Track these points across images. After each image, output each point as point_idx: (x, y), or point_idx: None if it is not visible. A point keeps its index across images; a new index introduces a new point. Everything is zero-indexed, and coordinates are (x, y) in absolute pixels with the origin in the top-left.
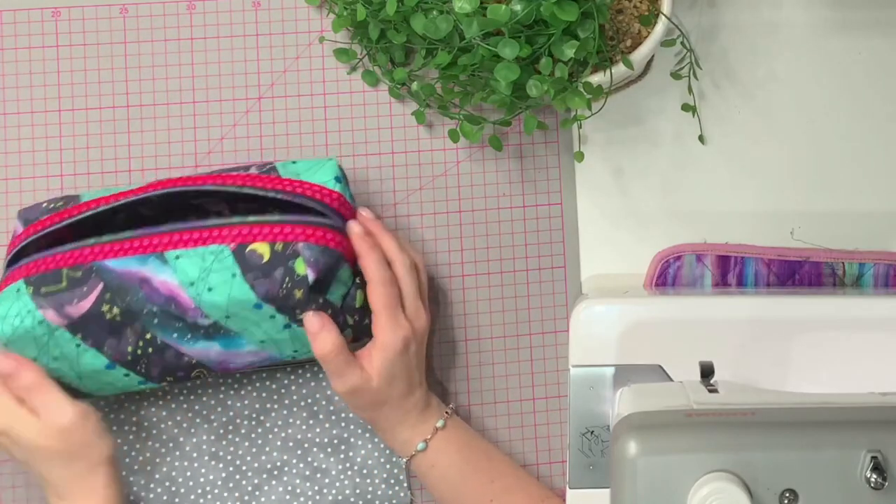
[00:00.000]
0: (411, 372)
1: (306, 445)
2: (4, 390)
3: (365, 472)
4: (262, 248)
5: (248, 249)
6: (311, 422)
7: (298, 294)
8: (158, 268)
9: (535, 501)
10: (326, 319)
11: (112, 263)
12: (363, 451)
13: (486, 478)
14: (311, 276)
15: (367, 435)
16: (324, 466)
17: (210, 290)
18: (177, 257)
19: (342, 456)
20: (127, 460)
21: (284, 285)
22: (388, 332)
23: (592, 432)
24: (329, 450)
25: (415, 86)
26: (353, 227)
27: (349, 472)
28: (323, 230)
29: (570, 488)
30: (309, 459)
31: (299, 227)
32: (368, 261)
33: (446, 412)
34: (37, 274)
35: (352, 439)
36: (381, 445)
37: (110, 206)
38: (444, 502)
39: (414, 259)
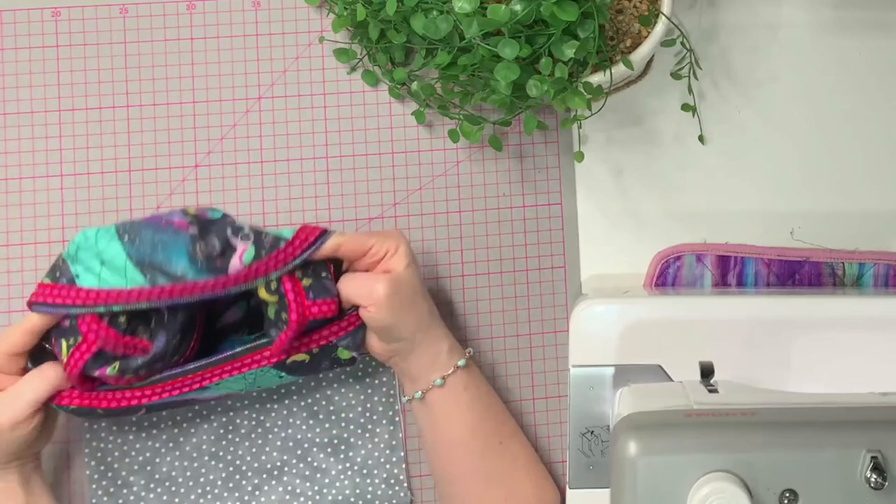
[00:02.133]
0: (421, 278)
1: (306, 445)
2: None
3: (365, 472)
4: (301, 357)
5: (288, 361)
6: (311, 422)
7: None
8: (200, 392)
9: (532, 458)
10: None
11: (155, 401)
12: (363, 451)
13: (503, 414)
14: (356, 355)
15: (367, 435)
16: (324, 466)
17: (257, 385)
18: (218, 384)
19: (342, 456)
20: (127, 460)
21: (333, 368)
22: (388, 235)
23: (592, 432)
24: (329, 450)
25: (415, 86)
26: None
27: (349, 472)
28: (347, 319)
29: (570, 488)
30: (309, 459)
31: (325, 330)
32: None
33: (468, 352)
34: (79, 406)
35: (352, 439)
36: (381, 445)
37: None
38: (457, 437)
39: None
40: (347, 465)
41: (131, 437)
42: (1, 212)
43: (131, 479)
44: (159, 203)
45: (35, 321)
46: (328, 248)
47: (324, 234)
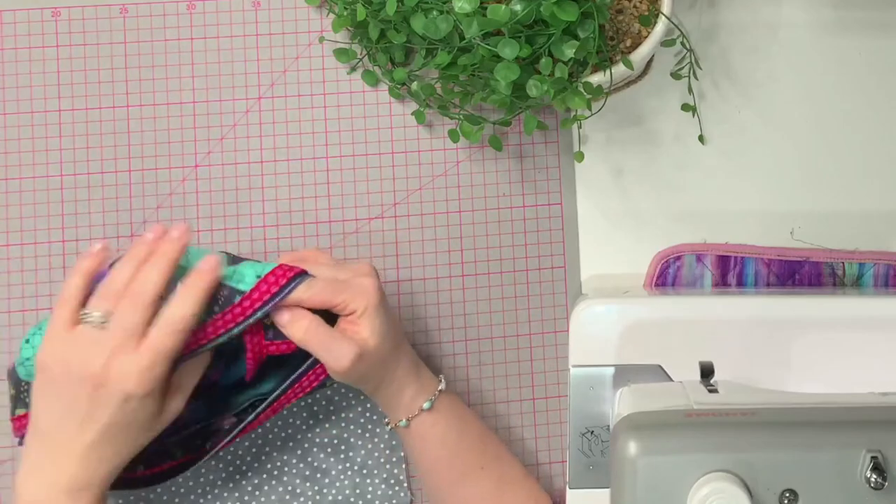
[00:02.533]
0: (394, 319)
1: (306, 445)
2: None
3: (365, 472)
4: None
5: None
6: (311, 422)
7: None
8: None
9: (519, 475)
10: (295, 309)
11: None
12: (363, 451)
13: (481, 444)
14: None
15: (367, 435)
16: (324, 466)
17: None
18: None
19: (342, 456)
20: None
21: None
22: (358, 290)
23: (592, 432)
24: (329, 450)
25: (415, 86)
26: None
27: (349, 472)
28: (314, 372)
29: (570, 488)
30: (309, 459)
31: (290, 392)
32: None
33: (441, 379)
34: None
35: (352, 439)
36: (381, 445)
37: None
38: (433, 468)
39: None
40: (347, 465)
41: None
42: (1, 212)
43: None
44: (159, 203)
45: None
46: (293, 299)
47: (295, 278)
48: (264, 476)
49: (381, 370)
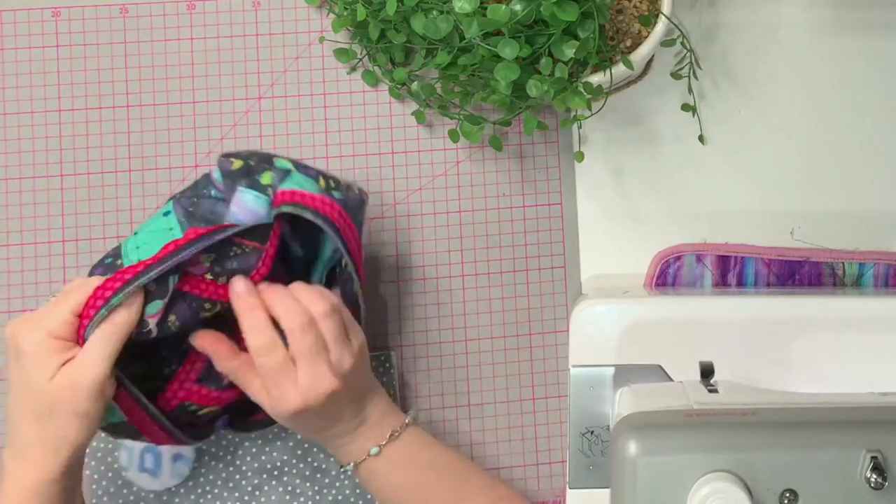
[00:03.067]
0: (342, 411)
1: (306, 445)
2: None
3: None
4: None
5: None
6: None
7: None
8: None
9: (498, 494)
10: (244, 357)
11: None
12: None
13: (442, 485)
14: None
15: None
16: (324, 466)
17: None
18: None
19: None
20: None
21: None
22: (307, 387)
23: (592, 432)
24: (329, 450)
25: (415, 86)
26: (238, 286)
27: (349, 473)
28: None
29: (570, 488)
30: (309, 459)
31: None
32: (279, 309)
33: (406, 422)
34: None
35: None
36: None
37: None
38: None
39: (329, 301)
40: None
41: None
42: (1, 212)
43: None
44: (159, 203)
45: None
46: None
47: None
48: (264, 476)
49: (323, 423)
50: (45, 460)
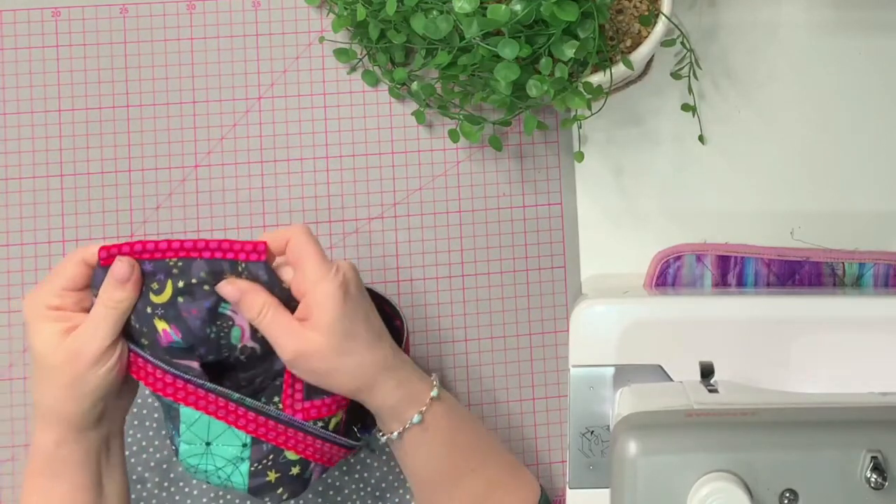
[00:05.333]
0: (369, 316)
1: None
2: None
3: (378, 494)
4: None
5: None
6: None
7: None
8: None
9: (507, 470)
10: (245, 283)
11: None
12: (378, 473)
13: (470, 445)
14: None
15: (384, 457)
16: (337, 484)
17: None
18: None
19: (356, 476)
20: (144, 456)
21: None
22: (323, 283)
23: (592, 432)
24: (344, 468)
25: (415, 86)
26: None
27: (362, 493)
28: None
29: (570, 488)
30: (323, 475)
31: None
32: (283, 229)
33: (434, 381)
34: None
35: (368, 460)
36: (397, 470)
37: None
38: (424, 477)
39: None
40: (361, 484)
41: (151, 433)
42: (1, 212)
43: (146, 475)
44: (159, 203)
45: (91, 250)
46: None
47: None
48: None
49: (344, 372)
50: (54, 426)
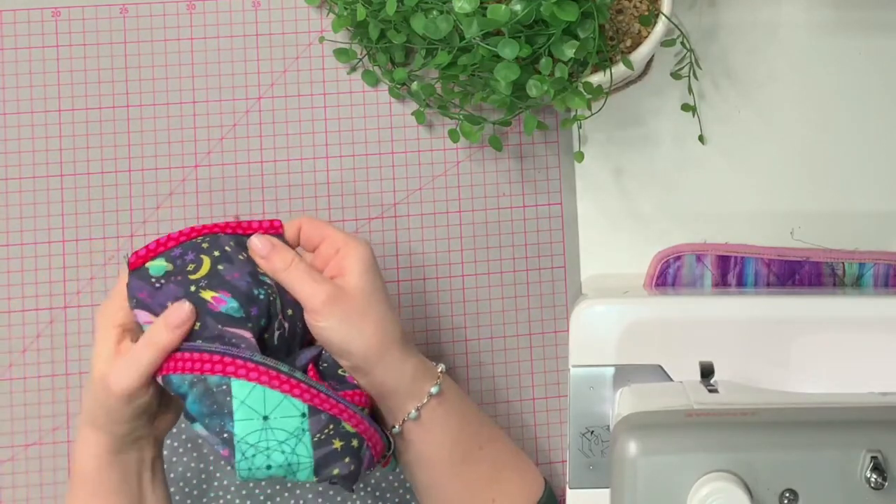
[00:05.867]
0: (386, 291)
1: None
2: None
3: (378, 494)
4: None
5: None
6: None
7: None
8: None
9: (511, 453)
10: (274, 239)
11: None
12: (378, 473)
13: (479, 424)
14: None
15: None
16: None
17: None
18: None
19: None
20: (172, 475)
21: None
22: (352, 240)
23: (592, 432)
24: None
25: (415, 86)
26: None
27: (362, 493)
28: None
29: (570, 488)
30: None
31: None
32: (290, 222)
33: (439, 375)
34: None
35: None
36: (397, 470)
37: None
38: (436, 456)
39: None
40: (361, 484)
41: None
42: (1, 212)
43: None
44: (159, 203)
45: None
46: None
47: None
48: (277, 487)
49: (371, 321)
50: (92, 442)
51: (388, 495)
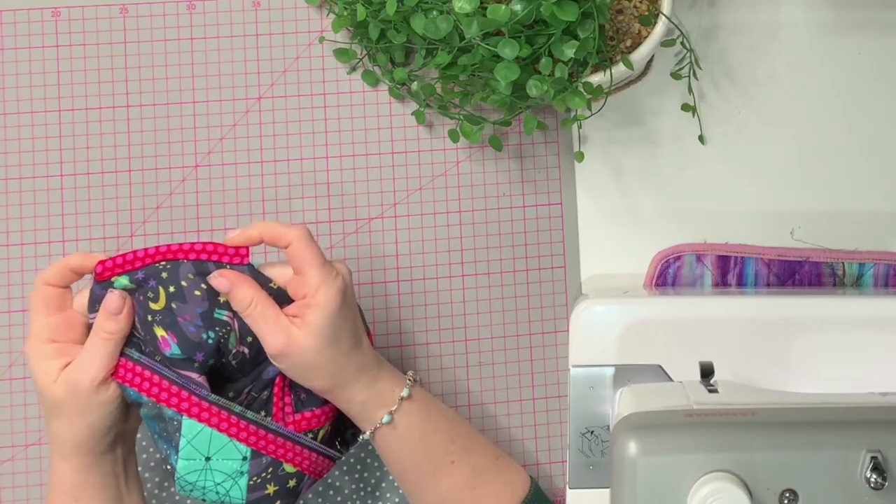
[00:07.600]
0: (356, 321)
1: None
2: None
3: (377, 494)
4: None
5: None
6: None
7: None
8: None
9: (491, 459)
10: (236, 275)
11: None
12: (378, 473)
13: (447, 439)
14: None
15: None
16: (337, 484)
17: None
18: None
19: (356, 475)
20: (144, 456)
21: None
22: (324, 287)
23: (592, 432)
24: (345, 468)
25: (415, 86)
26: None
27: (361, 493)
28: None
29: (570, 488)
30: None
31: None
32: (284, 229)
33: (408, 381)
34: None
35: (368, 459)
36: None
37: None
38: (403, 469)
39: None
40: (361, 484)
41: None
42: (1, 212)
43: (146, 475)
44: (159, 203)
45: (75, 258)
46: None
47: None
48: None
49: (323, 372)
50: (70, 457)
51: (388, 495)
